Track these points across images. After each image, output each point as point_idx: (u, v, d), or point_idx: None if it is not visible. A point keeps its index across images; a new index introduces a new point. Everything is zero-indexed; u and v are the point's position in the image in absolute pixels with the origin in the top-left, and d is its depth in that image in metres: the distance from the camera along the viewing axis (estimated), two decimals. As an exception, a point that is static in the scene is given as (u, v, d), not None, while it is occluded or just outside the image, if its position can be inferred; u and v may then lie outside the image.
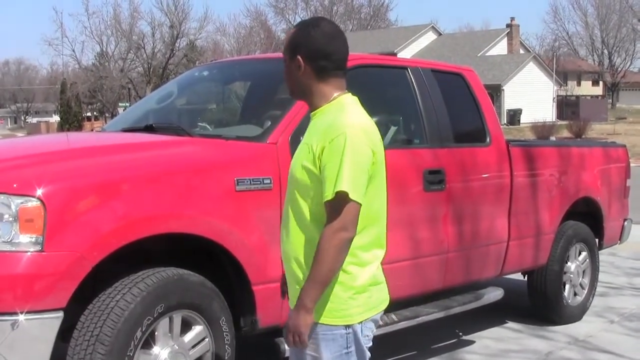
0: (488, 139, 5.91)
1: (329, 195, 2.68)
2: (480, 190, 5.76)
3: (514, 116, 51.46)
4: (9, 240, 3.50)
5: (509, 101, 52.68)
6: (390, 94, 5.68)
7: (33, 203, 3.53)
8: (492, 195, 5.86)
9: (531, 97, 52.96)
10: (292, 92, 2.98)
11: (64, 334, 3.66)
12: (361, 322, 2.83)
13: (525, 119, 49.50)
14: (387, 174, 4.86)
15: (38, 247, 3.50)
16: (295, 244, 2.84)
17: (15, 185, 3.58)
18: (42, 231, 3.50)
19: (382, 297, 2.93)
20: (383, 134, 5.10)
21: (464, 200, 5.58)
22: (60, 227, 3.54)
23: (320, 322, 2.77)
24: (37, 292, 3.48)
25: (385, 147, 4.80)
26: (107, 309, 3.65)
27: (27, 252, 3.49)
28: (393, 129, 5.36)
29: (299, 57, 2.84)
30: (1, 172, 3.77)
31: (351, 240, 2.72)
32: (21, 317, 3.45)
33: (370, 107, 5.26)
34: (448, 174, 5.38)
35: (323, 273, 2.68)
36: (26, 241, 3.50)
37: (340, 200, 2.67)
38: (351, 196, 2.67)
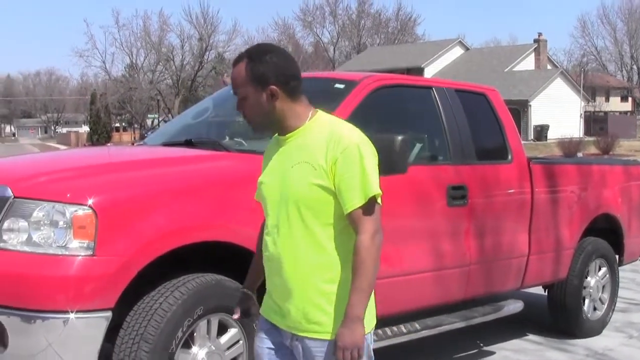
0: (510, 157, 6.11)
1: (359, 202, 2.70)
2: (502, 205, 5.96)
3: (541, 132, 51.36)
4: (63, 244, 3.81)
5: (536, 117, 52.57)
6: (416, 112, 5.92)
7: (85, 211, 3.83)
8: (513, 210, 6.06)
9: (558, 112, 52.80)
10: (261, 123, 2.88)
11: (107, 334, 3.91)
12: (370, 330, 2.86)
13: (552, 134, 49.38)
14: (413, 189, 5.16)
15: (89, 252, 3.79)
16: (309, 264, 2.79)
17: (69, 195, 3.88)
18: (93, 237, 3.80)
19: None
20: (409, 151, 5.39)
21: (486, 215, 5.78)
22: (109, 233, 3.84)
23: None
24: (87, 293, 3.77)
25: (411, 164, 5.11)
26: (151, 310, 3.93)
27: (79, 256, 3.79)
28: (418, 146, 5.61)
29: (272, 86, 2.79)
30: (56, 183, 4.08)
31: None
32: (72, 316, 3.73)
33: (397, 124, 5.57)
34: (470, 189, 5.59)
35: (369, 280, 2.69)
36: (78, 246, 3.80)
37: (372, 204, 2.73)
38: (379, 200, 2.75)
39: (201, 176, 4.44)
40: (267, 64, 2.80)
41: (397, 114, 5.75)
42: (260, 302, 3.13)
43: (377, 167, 2.79)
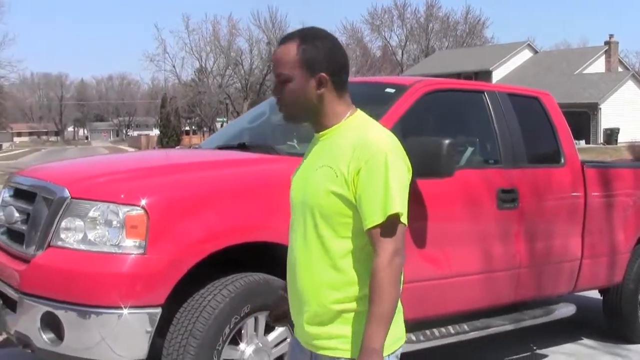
0: (562, 160, 6.10)
1: (378, 219, 2.42)
2: (554, 209, 5.96)
3: (611, 135, 50.29)
4: (116, 243, 4.00)
5: (606, 120, 51.47)
6: (467, 116, 5.97)
7: (138, 211, 4.01)
8: (565, 214, 6.05)
9: (630, 116, 51.57)
10: (297, 112, 2.62)
11: (158, 329, 4.08)
12: (398, 348, 2.60)
13: (623, 138, 48.33)
14: (463, 192, 5.22)
15: (141, 251, 3.98)
16: (320, 280, 2.54)
17: (122, 196, 4.08)
18: (144, 236, 3.98)
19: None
20: (460, 155, 5.45)
21: (537, 219, 5.78)
22: (160, 233, 4.02)
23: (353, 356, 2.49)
24: (139, 289, 3.96)
25: (461, 167, 5.17)
26: (200, 307, 4.09)
27: (131, 254, 3.98)
28: (469, 149, 5.67)
29: (323, 74, 2.54)
30: (110, 184, 4.28)
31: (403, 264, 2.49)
32: (125, 312, 3.93)
33: (448, 128, 5.63)
34: (521, 193, 5.61)
35: (387, 308, 2.42)
36: (131, 245, 3.99)
37: (393, 224, 2.44)
38: (402, 219, 2.46)
39: (251, 179, 4.59)
40: (321, 49, 2.56)
41: (447, 118, 5.81)
42: None
43: (406, 181, 2.52)
